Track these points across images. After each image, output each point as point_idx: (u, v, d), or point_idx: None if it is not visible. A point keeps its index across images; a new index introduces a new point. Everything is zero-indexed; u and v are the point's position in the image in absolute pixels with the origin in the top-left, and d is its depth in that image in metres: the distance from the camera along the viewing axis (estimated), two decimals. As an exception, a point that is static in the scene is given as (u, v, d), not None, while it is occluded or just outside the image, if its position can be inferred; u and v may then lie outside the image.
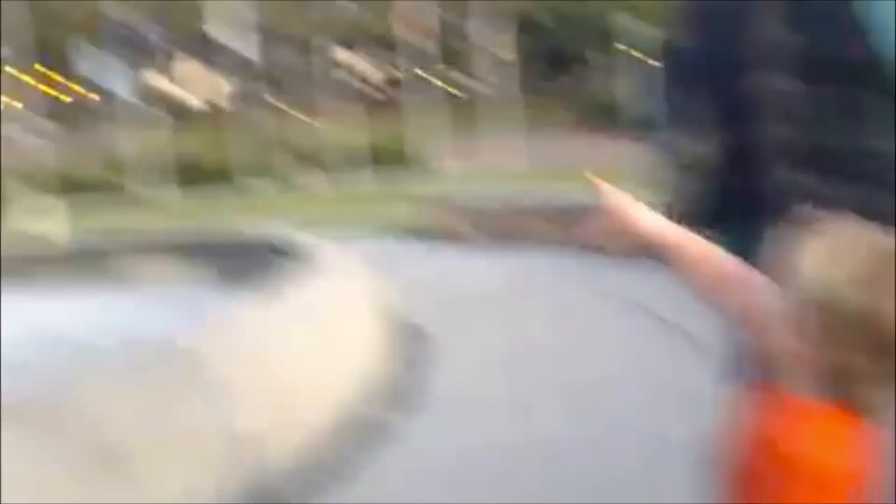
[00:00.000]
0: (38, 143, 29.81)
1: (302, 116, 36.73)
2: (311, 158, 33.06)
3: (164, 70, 52.29)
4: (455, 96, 36.42)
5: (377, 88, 48.98)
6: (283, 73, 38.70)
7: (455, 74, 37.73)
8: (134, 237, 11.01)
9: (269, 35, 37.14)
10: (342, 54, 46.66)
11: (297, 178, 31.77)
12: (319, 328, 5.62)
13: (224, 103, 56.58)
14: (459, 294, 8.81)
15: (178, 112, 51.94)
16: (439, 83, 35.49)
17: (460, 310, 8.16)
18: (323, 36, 38.06)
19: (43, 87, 48.70)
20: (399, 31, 35.79)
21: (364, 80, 53.57)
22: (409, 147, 31.82)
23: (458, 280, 9.79)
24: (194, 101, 52.89)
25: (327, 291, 6.24)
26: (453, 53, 36.36)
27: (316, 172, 31.84)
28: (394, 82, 40.59)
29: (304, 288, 6.04)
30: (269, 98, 37.90)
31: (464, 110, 34.05)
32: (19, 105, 33.01)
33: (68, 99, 45.20)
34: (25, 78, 32.57)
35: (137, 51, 42.30)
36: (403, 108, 34.80)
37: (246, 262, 7.70)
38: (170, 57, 50.14)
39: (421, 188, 18.72)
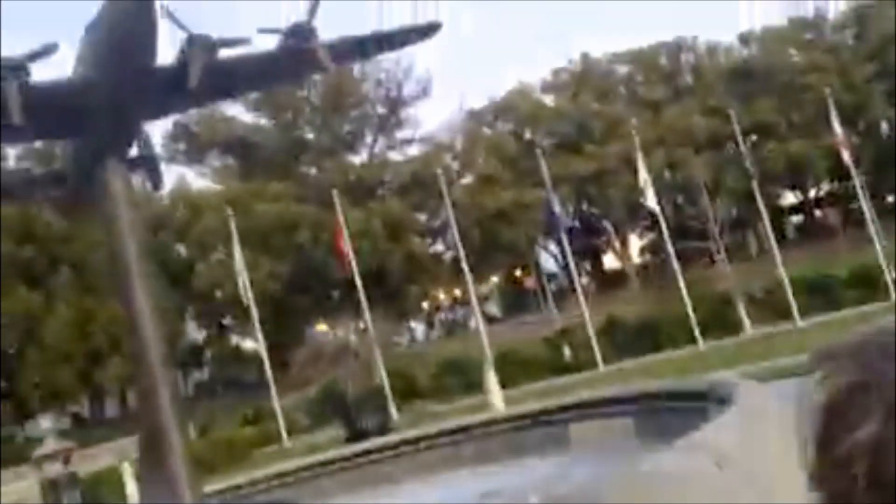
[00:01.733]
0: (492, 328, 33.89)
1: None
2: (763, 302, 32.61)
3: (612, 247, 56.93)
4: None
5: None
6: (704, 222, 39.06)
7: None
8: (567, 401, 11.98)
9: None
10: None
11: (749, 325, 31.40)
12: (741, 472, 5.66)
13: (641, 260, 59.07)
14: None
15: (608, 280, 55.42)
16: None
17: None
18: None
19: (501, 279, 55.61)
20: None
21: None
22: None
23: None
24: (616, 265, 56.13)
25: (746, 433, 6.28)
26: None
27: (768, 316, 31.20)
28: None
29: (723, 431, 6.16)
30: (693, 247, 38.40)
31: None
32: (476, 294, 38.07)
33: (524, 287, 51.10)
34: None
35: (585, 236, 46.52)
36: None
37: (667, 412, 8.01)
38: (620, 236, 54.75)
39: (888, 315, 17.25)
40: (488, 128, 52.16)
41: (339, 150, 44.25)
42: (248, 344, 54.44)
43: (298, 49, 10.18)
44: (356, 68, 43.81)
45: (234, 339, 54.12)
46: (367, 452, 14.18)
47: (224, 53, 10.24)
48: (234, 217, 31.89)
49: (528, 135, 51.77)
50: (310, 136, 44.96)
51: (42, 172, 13.39)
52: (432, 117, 75.52)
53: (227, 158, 45.45)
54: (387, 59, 43.55)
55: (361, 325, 48.91)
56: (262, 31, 10.31)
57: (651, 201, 32.10)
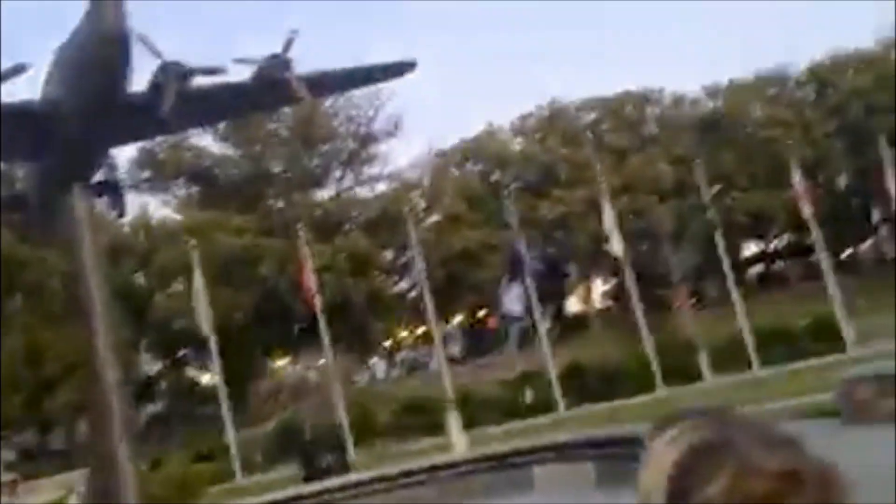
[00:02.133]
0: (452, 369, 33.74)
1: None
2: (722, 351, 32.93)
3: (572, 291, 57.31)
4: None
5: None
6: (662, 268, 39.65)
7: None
8: (532, 444, 11.88)
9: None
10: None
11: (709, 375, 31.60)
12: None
13: (603, 304, 59.68)
14: (871, 475, 7.97)
15: (570, 324, 55.78)
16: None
17: (873, 492, 7.37)
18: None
19: (463, 320, 55.53)
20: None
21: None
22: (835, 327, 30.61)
23: (872, 460, 8.89)
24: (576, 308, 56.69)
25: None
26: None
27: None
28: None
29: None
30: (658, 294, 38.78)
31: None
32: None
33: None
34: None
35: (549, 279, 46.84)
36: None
37: (629, 457, 7.96)
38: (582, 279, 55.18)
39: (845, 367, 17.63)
40: (456, 168, 52.47)
41: (306, 184, 44.10)
42: (206, 378, 53.48)
43: (273, 80, 10.14)
44: (328, 102, 43.88)
45: (191, 372, 53.09)
46: (326, 492, 13.89)
47: (198, 82, 10.15)
48: (195, 247, 31.47)
49: (495, 176, 52.15)
50: (277, 168, 44.78)
51: (2, 195, 13.12)
52: (401, 155, 75.99)
53: (192, 188, 44.99)
54: (358, 94, 43.83)
55: (321, 361, 48.42)
56: (238, 61, 10.27)
57: (616, 247, 32.41)
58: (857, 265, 56.19)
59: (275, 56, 10.22)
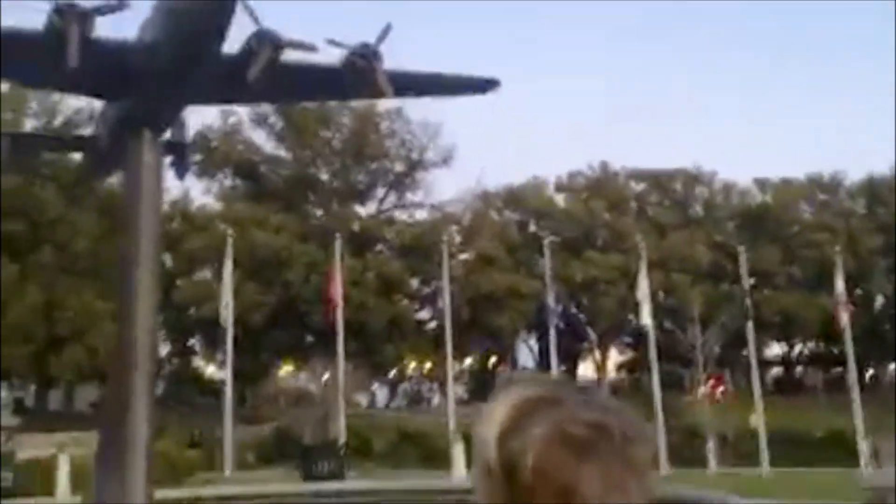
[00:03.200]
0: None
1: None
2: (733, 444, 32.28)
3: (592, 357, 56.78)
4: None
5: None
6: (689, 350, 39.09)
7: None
8: None
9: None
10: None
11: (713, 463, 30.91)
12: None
13: (617, 375, 58.96)
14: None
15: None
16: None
17: None
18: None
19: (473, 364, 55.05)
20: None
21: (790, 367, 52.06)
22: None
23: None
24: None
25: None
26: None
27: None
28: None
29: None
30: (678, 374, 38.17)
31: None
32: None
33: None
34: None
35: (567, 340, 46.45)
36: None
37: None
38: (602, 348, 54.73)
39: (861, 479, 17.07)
40: (496, 212, 52.48)
41: (349, 198, 44.26)
42: (210, 369, 53.26)
43: (360, 68, 10.14)
44: (384, 123, 44.22)
45: (197, 361, 53.00)
46: (322, 495, 13.63)
47: (288, 56, 10.17)
48: (232, 236, 31.53)
49: (533, 227, 52.05)
50: (324, 177, 45.04)
51: (71, 135, 13.14)
52: (446, 187, 76.44)
53: (237, 180, 45.34)
54: (416, 121, 44.20)
55: (326, 376, 48.06)
56: (331, 42, 10.28)
57: (646, 317, 31.97)
58: (880, 386, 55.08)
59: (366, 45, 10.24)
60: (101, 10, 9.06)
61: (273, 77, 9.88)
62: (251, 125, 44.45)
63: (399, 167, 45.36)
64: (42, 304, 35.80)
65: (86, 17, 8.93)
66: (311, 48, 10.13)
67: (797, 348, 60.87)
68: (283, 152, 45.04)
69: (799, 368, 63.20)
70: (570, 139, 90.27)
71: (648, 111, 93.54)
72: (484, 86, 11.75)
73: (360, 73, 10.19)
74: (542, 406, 1.36)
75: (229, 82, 9.94)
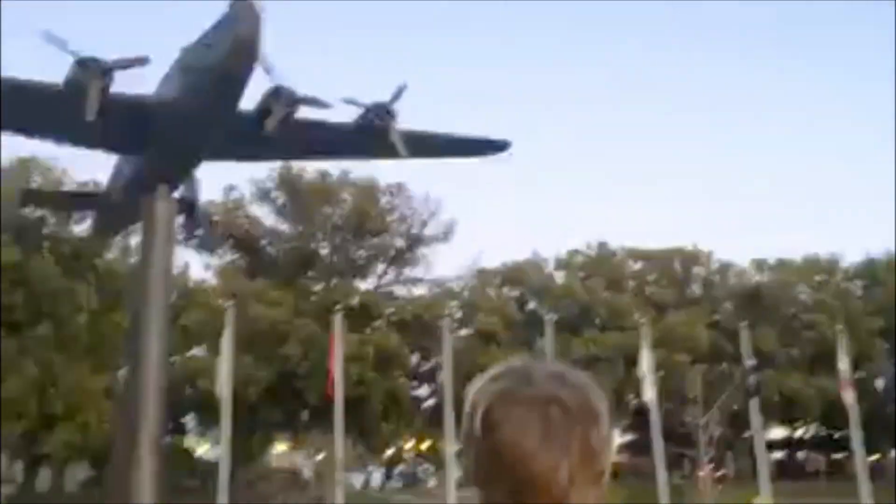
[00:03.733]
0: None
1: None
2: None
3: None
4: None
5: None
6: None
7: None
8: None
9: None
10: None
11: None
12: None
13: (618, 457, 57.66)
14: None
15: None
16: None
17: None
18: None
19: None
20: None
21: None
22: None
23: None
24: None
25: None
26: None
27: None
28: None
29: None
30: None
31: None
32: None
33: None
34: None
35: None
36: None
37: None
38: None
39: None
40: (494, 289, 52.43)
41: (348, 273, 44.24)
42: (202, 449, 52.09)
43: (375, 126, 10.23)
44: (385, 198, 44.59)
45: (188, 441, 51.87)
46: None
47: (303, 113, 10.28)
48: (230, 310, 31.26)
49: (532, 304, 51.91)
50: (324, 251, 45.11)
51: (82, 190, 13.13)
52: (446, 263, 76.78)
53: (237, 254, 45.36)
54: (417, 197, 44.57)
55: (320, 456, 46.99)
56: (346, 101, 10.41)
57: (649, 392, 31.56)
58: (884, 471, 54.03)
59: (381, 104, 10.35)
60: (122, 65, 9.19)
61: (288, 133, 9.97)
62: (253, 200, 44.80)
63: (399, 242, 45.53)
64: (37, 379, 35.27)
65: (107, 71, 9.04)
66: (325, 105, 10.26)
67: (799, 431, 59.96)
68: (284, 227, 45.27)
69: (801, 453, 62.09)
70: (569, 215, 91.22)
71: (645, 186, 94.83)
72: (496, 146, 11.86)
73: (374, 131, 10.28)
74: (510, 373, 1.67)
75: (245, 138, 10.01)
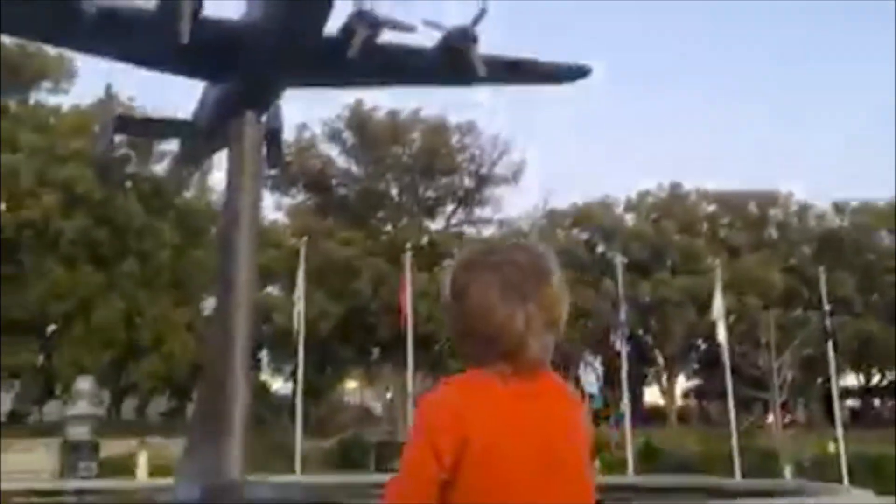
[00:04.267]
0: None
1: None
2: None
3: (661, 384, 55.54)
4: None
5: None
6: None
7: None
8: None
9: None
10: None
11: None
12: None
13: (684, 402, 57.37)
14: None
15: (647, 414, 53.77)
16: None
17: None
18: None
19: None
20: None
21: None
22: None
23: None
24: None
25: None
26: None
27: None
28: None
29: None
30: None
31: None
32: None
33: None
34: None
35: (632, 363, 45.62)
36: None
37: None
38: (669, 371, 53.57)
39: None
40: (563, 231, 52.11)
41: (417, 213, 44.53)
42: (277, 384, 53.73)
43: (456, 51, 10.21)
44: (454, 138, 44.46)
45: (264, 377, 53.60)
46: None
47: (384, 37, 10.31)
48: (303, 247, 31.93)
49: (600, 247, 51.51)
50: (394, 191, 45.43)
51: (167, 118, 13.53)
52: (514, 204, 76.79)
53: (309, 195, 46.05)
54: (485, 136, 44.31)
55: (389, 394, 48.02)
56: (427, 23, 10.40)
57: (721, 335, 31.20)
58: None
59: (462, 27, 10.32)
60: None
61: (370, 57, 10.03)
62: (324, 139, 45.18)
63: (468, 183, 45.48)
64: (123, 312, 36.82)
65: (196, -7, 9.23)
66: (409, 28, 10.27)
67: (875, 379, 58.59)
68: (354, 167, 45.66)
69: (876, 400, 60.75)
70: (641, 156, 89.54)
71: (723, 128, 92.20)
72: (576, 73, 11.73)
73: (455, 55, 10.27)
74: (475, 246, 2.12)
75: (328, 63, 10.12)
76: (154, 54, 10.15)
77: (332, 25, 10.06)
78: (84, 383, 21.47)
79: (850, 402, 60.43)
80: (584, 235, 52.01)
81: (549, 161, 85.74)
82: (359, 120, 43.63)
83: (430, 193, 45.08)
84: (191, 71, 10.86)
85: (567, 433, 1.94)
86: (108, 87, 14.67)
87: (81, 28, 8.90)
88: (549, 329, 1.95)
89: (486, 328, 1.89)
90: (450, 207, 45.82)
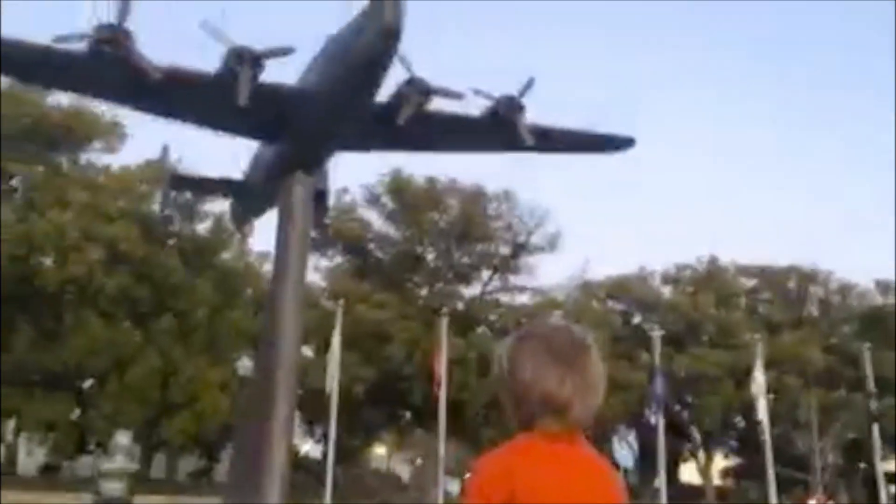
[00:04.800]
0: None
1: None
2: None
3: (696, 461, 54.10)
4: None
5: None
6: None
7: None
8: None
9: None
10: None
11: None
12: None
13: (722, 482, 55.55)
14: None
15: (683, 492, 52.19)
16: None
17: None
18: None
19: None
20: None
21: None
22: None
23: None
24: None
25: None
26: None
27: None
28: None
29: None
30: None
31: None
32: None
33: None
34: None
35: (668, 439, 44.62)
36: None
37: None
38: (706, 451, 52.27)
39: None
40: (598, 302, 51.75)
41: (453, 278, 44.63)
42: (305, 447, 53.35)
43: (504, 119, 10.40)
44: (491, 205, 44.80)
45: (294, 439, 53.25)
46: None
47: (434, 105, 10.54)
48: (340, 308, 32.08)
49: (637, 319, 50.98)
50: (430, 256, 45.68)
51: (220, 177, 13.95)
52: (550, 273, 76.56)
53: (346, 257, 46.47)
54: (522, 204, 44.55)
55: (419, 461, 47.36)
56: (476, 92, 10.63)
57: (762, 413, 30.50)
58: None
59: (510, 96, 10.53)
60: (271, 54, 9.69)
61: (419, 124, 10.26)
62: (363, 203, 45.81)
63: (504, 250, 45.61)
64: (159, 369, 37.11)
65: (258, 59, 9.56)
66: (458, 96, 10.51)
67: (921, 465, 56.46)
68: (392, 231, 46.11)
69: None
70: (679, 230, 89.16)
71: (763, 203, 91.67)
72: (621, 143, 11.85)
73: (502, 123, 10.45)
74: (523, 328, 2.41)
75: (379, 128, 10.37)
76: (213, 116, 10.50)
77: (384, 91, 10.35)
78: (123, 438, 21.53)
79: (893, 488, 58.23)
80: (620, 307, 51.59)
81: (586, 231, 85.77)
82: (398, 185, 44.25)
83: (466, 259, 45.26)
84: (247, 132, 11.19)
85: (605, 492, 2.20)
86: (165, 148, 15.13)
87: (146, 90, 9.28)
88: (590, 395, 2.24)
89: (540, 388, 2.20)
90: (485, 274, 45.91)
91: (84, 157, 42.15)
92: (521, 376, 2.23)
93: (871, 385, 33.93)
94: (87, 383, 38.40)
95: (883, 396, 47.50)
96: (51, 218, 35.40)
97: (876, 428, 31.81)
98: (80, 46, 9.36)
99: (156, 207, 34.96)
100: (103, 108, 36.41)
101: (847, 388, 47.71)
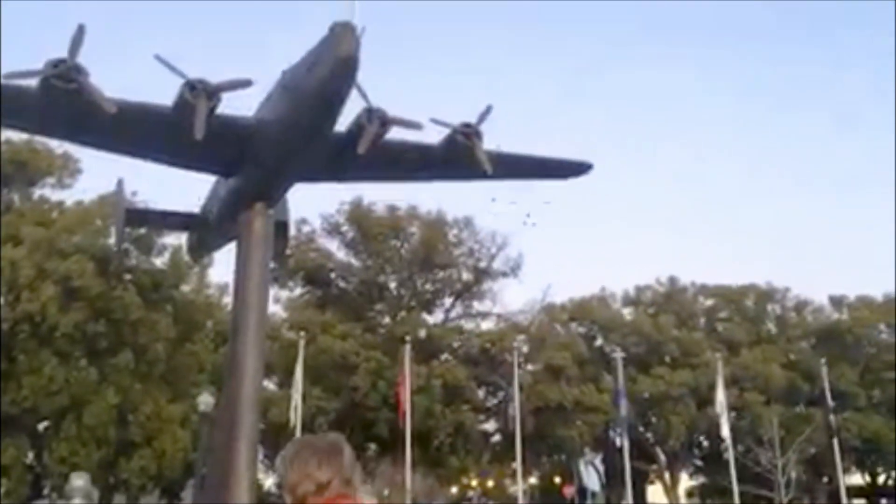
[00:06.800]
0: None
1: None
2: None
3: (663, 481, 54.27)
4: None
5: None
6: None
7: None
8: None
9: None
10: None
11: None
12: None
13: (689, 500, 55.77)
14: None
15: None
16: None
17: None
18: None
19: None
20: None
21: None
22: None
23: None
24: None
25: None
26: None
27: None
28: None
29: None
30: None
31: None
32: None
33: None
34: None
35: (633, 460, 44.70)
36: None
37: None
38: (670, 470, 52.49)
39: None
40: (562, 325, 52.00)
41: (416, 306, 44.51)
42: (268, 482, 52.43)
43: (462, 146, 10.46)
44: (452, 233, 44.89)
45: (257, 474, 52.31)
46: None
47: (392, 135, 10.57)
48: (303, 341, 31.84)
49: (599, 341, 51.30)
50: (392, 285, 45.55)
51: (177, 210, 13.75)
52: (512, 297, 76.54)
53: (307, 288, 46.12)
54: (483, 231, 44.78)
55: (386, 492, 46.82)
56: (434, 121, 10.69)
57: (725, 430, 30.82)
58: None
59: (468, 124, 10.60)
60: (227, 87, 9.64)
61: (378, 154, 10.27)
62: (323, 233, 45.60)
63: (467, 276, 45.68)
64: (116, 407, 36.26)
65: (214, 92, 9.50)
66: (416, 126, 10.55)
67: (881, 478, 57.36)
68: (353, 260, 45.92)
69: (883, 501, 59.34)
70: (638, 251, 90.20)
71: (720, 223, 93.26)
72: (579, 168, 11.99)
73: (461, 150, 10.51)
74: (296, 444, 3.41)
75: (338, 158, 10.35)
76: (169, 150, 10.40)
77: (342, 122, 10.34)
78: (79, 480, 20.81)
79: (857, 502, 59.01)
80: (583, 329, 51.90)
81: (547, 255, 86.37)
82: (358, 214, 44.19)
83: (429, 287, 45.25)
84: (205, 166, 11.09)
85: None
86: (120, 182, 14.94)
87: (100, 124, 9.15)
88: (347, 485, 3.26)
89: (307, 489, 3.27)
90: (448, 300, 45.93)
91: (37, 193, 41.38)
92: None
93: (829, 399, 34.51)
94: (42, 425, 37.33)
95: (842, 410, 48.39)
96: (3, 254, 34.61)
97: (836, 442, 32.27)
98: (31, 83, 9.22)
99: (111, 242, 34.39)
100: (55, 143, 35.87)
101: (807, 402, 48.45)
